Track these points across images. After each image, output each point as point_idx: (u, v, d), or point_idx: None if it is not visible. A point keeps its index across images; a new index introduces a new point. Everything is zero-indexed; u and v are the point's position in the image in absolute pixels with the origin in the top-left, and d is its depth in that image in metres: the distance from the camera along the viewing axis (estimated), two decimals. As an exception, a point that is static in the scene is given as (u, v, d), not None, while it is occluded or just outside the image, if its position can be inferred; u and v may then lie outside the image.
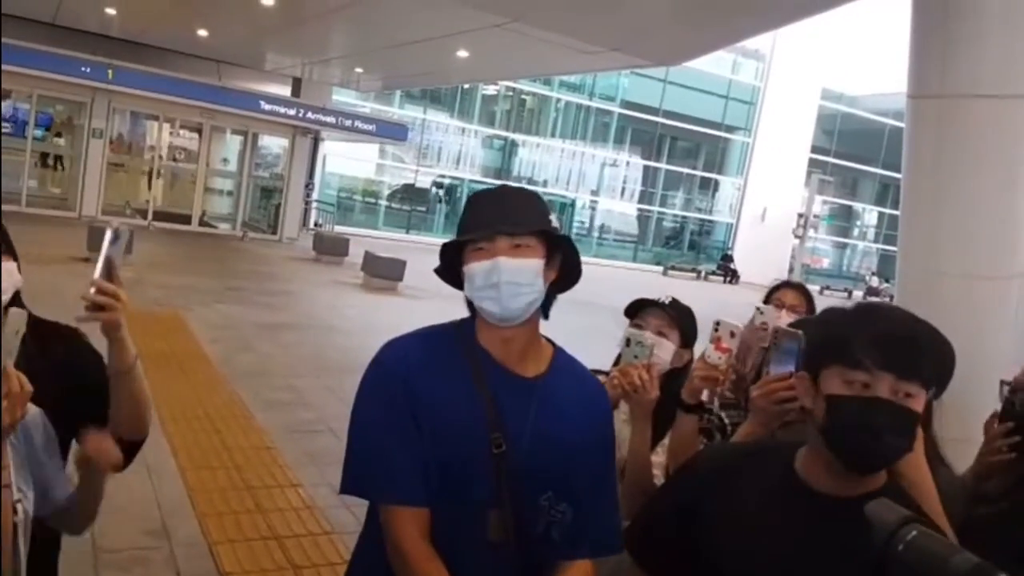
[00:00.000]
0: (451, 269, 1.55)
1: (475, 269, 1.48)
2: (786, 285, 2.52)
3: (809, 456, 1.39)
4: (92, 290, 1.50)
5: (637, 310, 2.13)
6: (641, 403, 1.89)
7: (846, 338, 1.30)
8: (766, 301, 2.38)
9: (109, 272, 1.53)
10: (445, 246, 1.55)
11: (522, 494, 1.50)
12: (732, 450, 1.67)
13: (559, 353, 1.63)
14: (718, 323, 1.83)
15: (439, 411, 1.48)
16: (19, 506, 1.38)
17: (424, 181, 30.01)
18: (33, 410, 1.42)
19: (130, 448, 1.69)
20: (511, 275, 1.46)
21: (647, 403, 1.88)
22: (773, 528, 1.35)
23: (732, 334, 1.82)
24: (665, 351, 2.03)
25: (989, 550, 1.50)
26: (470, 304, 1.57)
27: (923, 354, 1.28)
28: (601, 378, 2.12)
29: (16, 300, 1.59)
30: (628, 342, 1.92)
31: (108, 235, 1.54)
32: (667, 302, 2.10)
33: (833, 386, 1.31)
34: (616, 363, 2.02)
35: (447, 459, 1.47)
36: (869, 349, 1.27)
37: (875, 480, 1.35)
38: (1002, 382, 1.79)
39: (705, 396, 1.95)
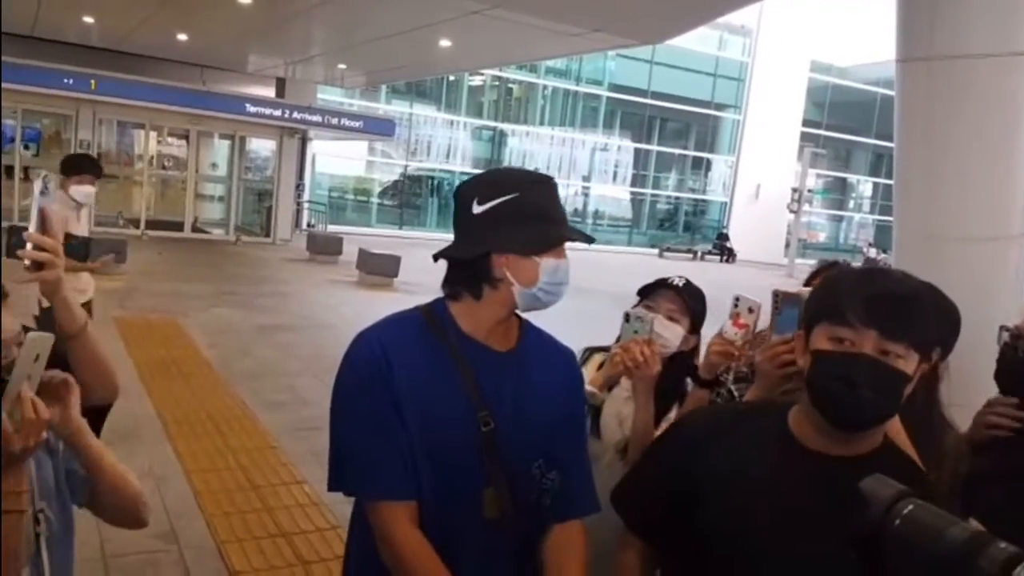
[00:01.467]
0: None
1: (557, 266, 1.50)
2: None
3: (801, 415, 1.37)
4: (29, 246, 1.42)
5: (649, 291, 2.10)
6: (644, 378, 1.87)
7: (837, 296, 1.29)
8: (807, 285, 2.30)
9: (43, 224, 1.44)
10: (524, 237, 1.48)
11: (514, 468, 1.49)
12: (722, 411, 1.65)
13: (525, 325, 1.63)
14: (738, 298, 1.81)
15: (422, 397, 1.46)
16: (40, 516, 1.35)
17: (414, 176, 29.98)
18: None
19: (102, 413, 1.67)
20: (568, 276, 1.54)
21: (649, 378, 1.87)
22: (768, 487, 1.33)
23: (750, 310, 1.79)
24: (674, 335, 2.00)
25: (989, 511, 1.50)
26: (454, 290, 1.54)
27: (912, 314, 1.26)
28: (601, 355, 2.12)
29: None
30: (628, 318, 1.90)
31: (37, 185, 1.46)
32: (680, 284, 2.07)
33: (820, 342, 1.30)
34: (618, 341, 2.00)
35: (437, 444, 1.45)
36: (855, 306, 1.26)
37: (871, 440, 1.33)
38: (1002, 328, 1.76)
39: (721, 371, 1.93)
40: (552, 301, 1.52)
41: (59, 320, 1.50)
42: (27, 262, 1.43)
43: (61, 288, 1.47)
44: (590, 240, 1.61)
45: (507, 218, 1.46)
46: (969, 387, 1.85)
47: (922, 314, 1.28)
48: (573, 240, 1.53)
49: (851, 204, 41.24)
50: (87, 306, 4.79)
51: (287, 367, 7.59)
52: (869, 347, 1.25)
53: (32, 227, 1.43)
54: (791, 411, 1.40)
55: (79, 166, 4.89)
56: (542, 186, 1.52)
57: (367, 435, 1.46)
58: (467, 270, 1.51)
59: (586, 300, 9.03)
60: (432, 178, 30.29)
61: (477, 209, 1.48)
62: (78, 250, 4.41)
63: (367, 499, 1.49)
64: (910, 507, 0.93)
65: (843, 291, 1.29)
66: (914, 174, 4.29)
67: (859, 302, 1.26)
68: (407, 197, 30.13)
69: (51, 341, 1.26)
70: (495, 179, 1.54)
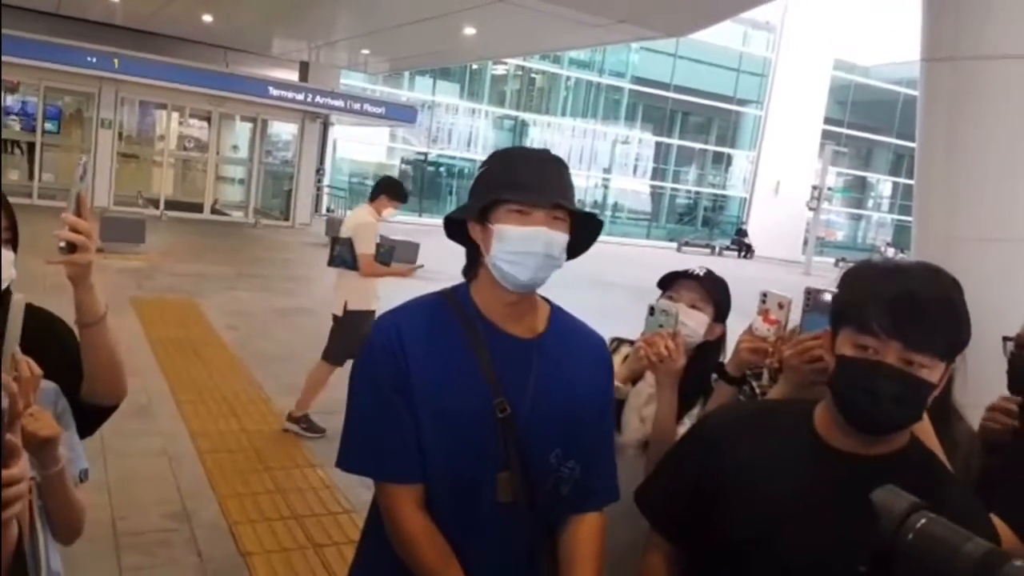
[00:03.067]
0: (462, 225, 1.53)
1: (512, 232, 1.44)
2: None
3: (825, 413, 1.36)
4: (64, 229, 1.44)
5: (670, 282, 2.07)
6: (668, 372, 1.86)
7: (862, 300, 1.26)
8: None
9: (79, 208, 1.46)
10: (472, 204, 1.49)
11: (530, 455, 1.50)
12: (747, 408, 1.64)
13: (556, 311, 1.62)
14: (765, 294, 1.78)
15: (440, 383, 1.47)
16: (33, 483, 1.38)
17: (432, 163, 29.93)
18: (45, 385, 1.42)
19: (103, 414, 1.67)
20: (549, 247, 1.44)
21: (674, 372, 1.86)
22: (793, 485, 1.33)
23: (780, 305, 1.76)
24: (698, 323, 1.98)
25: (1006, 508, 1.49)
26: (467, 270, 1.55)
27: (937, 322, 1.23)
28: (628, 347, 2.11)
29: (6, 292, 1.57)
30: (652, 311, 1.88)
31: (78, 170, 1.49)
32: (701, 274, 2.05)
33: (845, 347, 1.29)
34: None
35: (453, 429, 1.47)
36: (880, 315, 1.22)
37: (897, 440, 1.32)
38: (1005, 339, 1.74)
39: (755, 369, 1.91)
40: (521, 273, 1.44)
41: (80, 306, 1.51)
42: (61, 243, 1.44)
43: (90, 273, 1.49)
44: (556, 203, 1.44)
45: (477, 187, 1.50)
46: (983, 388, 1.83)
47: (949, 320, 1.24)
48: (520, 203, 1.43)
49: (870, 203, 40.83)
50: (369, 316, 5.01)
51: (304, 350, 7.58)
52: (893, 357, 1.23)
53: (69, 210, 1.45)
54: (816, 409, 1.39)
55: (398, 193, 5.47)
56: (514, 157, 1.52)
57: (374, 418, 1.49)
58: (464, 245, 1.55)
59: (606, 294, 9.01)
60: (452, 165, 30.24)
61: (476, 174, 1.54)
62: (385, 256, 5.11)
63: (376, 480, 1.52)
64: (923, 521, 0.91)
65: (867, 295, 1.26)
66: (936, 173, 4.24)
67: (883, 309, 1.22)
68: (425, 183, 30.08)
69: (24, 301, 1.29)
70: (495, 151, 1.57)
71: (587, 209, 1.61)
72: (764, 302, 1.79)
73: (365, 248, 5.12)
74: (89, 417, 1.60)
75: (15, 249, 1.57)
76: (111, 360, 1.60)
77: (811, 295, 1.66)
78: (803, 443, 1.36)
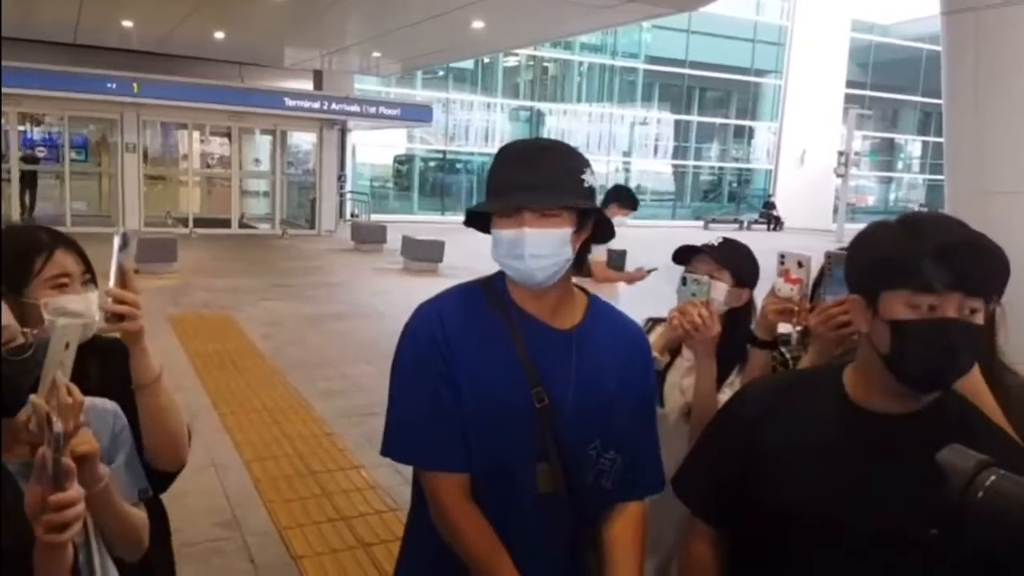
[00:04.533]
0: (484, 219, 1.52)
1: (500, 236, 1.45)
2: None
3: (861, 378, 1.34)
4: (108, 300, 1.48)
5: (686, 259, 2.09)
6: (704, 341, 1.87)
7: (905, 258, 1.22)
8: None
9: (123, 279, 1.50)
10: (470, 211, 1.52)
11: (569, 446, 1.48)
12: (775, 382, 1.62)
13: (594, 301, 1.61)
14: (783, 255, 1.78)
15: (478, 371, 1.47)
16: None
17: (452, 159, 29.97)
18: (103, 404, 1.43)
19: (165, 481, 1.67)
20: (536, 247, 1.42)
21: (710, 340, 1.86)
22: (834, 452, 1.31)
23: (800, 264, 1.76)
24: (718, 291, 1.98)
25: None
26: None
27: (988, 268, 1.22)
28: (661, 327, 2.11)
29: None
30: (684, 281, 1.90)
31: (116, 241, 1.51)
32: (715, 244, 2.06)
33: (896, 311, 1.23)
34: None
35: (491, 417, 1.46)
36: (936, 270, 1.19)
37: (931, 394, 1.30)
38: None
39: (785, 329, 1.91)
40: (518, 275, 1.47)
41: (133, 370, 1.55)
42: (108, 314, 1.49)
43: (142, 339, 1.53)
44: (530, 205, 1.42)
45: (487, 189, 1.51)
46: (1020, 344, 1.79)
47: (995, 259, 1.23)
48: (494, 211, 1.45)
49: (900, 165, 40.14)
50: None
51: (339, 355, 7.70)
52: (953, 309, 1.20)
53: (112, 283, 1.48)
54: (845, 372, 1.37)
55: (628, 200, 5.64)
56: (512, 153, 1.49)
57: (422, 407, 1.48)
58: None
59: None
60: (471, 161, 30.26)
61: None
62: (618, 261, 5.27)
63: (420, 468, 1.52)
64: (993, 478, 0.90)
65: (906, 251, 1.23)
66: (965, 128, 4.17)
67: (936, 265, 1.19)
68: (446, 181, 30.12)
69: (81, 331, 1.31)
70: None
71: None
72: (783, 263, 1.78)
73: (597, 255, 5.18)
74: (153, 485, 1.59)
75: (96, 285, 1.60)
76: (168, 423, 1.61)
77: (831, 259, 1.63)
78: (835, 409, 1.34)
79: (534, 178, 1.42)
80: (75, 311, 1.50)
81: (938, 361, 1.22)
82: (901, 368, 1.25)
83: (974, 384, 1.43)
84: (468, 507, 1.47)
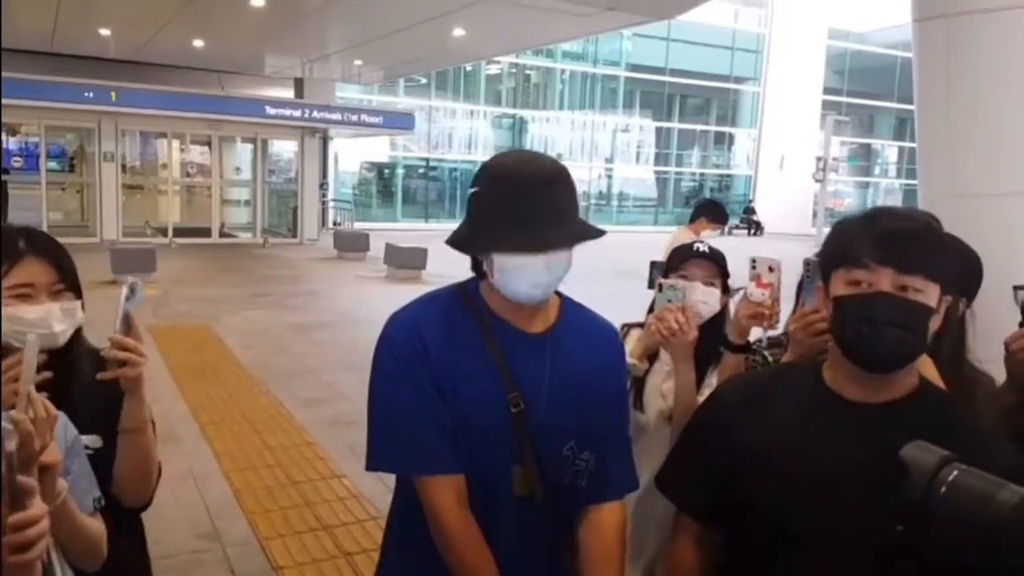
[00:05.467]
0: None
1: (517, 263, 1.41)
2: None
3: (833, 366, 1.37)
4: (111, 347, 1.50)
5: (680, 261, 2.12)
6: (681, 345, 1.89)
7: (849, 239, 1.30)
8: None
9: (128, 327, 1.53)
10: (471, 238, 1.46)
11: (544, 448, 1.49)
12: (755, 376, 1.64)
13: (566, 303, 1.61)
14: (754, 260, 1.82)
15: (454, 376, 1.47)
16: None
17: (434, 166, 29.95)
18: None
19: (128, 514, 1.67)
20: (555, 273, 1.44)
21: (687, 345, 1.89)
22: (814, 441, 1.33)
23: (771, 269, 1.80)
24: (715, 300, 2.03)
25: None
26: (475, 266, 1.54)
27: (924, 246, 1.26)
28: (639, 331, 2.13)
29: (77, 337, 1.60)
30: (661, 288, 1.92)
31: (124, 291, 1.54)
32: (707, 250, 2.10)
33: (838, 288, 1.31)
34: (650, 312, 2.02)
35: (466, 422, 1.46)
36: (868, 246, 1.26)
37: (906, 383, 1.32)
38: (1016, 288, 1.73)
39: (756, 335, 1.94)
40: (525, 298, 1.45)
41: (125, 413, 1.56)
42: (108, 360, 1.51)
43: (140, 386, 1.55)
44: (555, 247, 1.41)
45: (473, 210, 1.46)
46: (998, 343, 1.82)
47: (934, 245, 1.28)
48: (508, 249, 1.40)
49: (877, 170, 40.58)
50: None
51: (322, 364, 7.67)
52: (887, 284, 1.25)
53: (116, 329, 1.51)
54: (824, 365, 1.40)
55: (718, 215, 5.66)
56: (508, 182, 1.43)
57: (411, 413, 1.47)
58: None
59: (617, 282, 9.01)
60: (454, 169, 30.26)
61: (469, 192, 1.50)
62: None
63: (415, 475, 1.50)
64: (955, 473, 0.91)
65: (853, 234, 1.30)
66: (937, 133, 4.21)
67: (870, 242, 1.26)
68: (428, 189, 30.08)
69: (38, 342, 1.30)
70: (487, 165, 1.50)
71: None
72: (754, 267, 1.82)
73: None
74: (115, 517, 1.58)
75: (75, 295, 1.60)
76: (144, 467, 1.62)
77: (809, 265, 1.66)
78: (814, 399, 1.37)
79: (553, 209, 1.42)
80: (29, 321, 1.49)
81: (865, 331, 1.25)
82: (842, 344, 1.31)
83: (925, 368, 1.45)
84: (466, 515, 1.46)
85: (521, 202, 1.41)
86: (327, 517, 4.23)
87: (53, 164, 18.07)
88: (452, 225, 1.59)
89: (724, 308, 2.10)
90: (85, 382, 1.56)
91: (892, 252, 1.25)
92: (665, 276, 2.06)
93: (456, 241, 1.48)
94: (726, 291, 2.09)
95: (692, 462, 1.53)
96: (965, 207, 4.05)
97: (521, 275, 1.42)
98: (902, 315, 1.24)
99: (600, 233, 1.50)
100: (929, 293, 1.26)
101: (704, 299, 1.99)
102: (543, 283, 1.44)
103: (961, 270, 1.78)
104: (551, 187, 1.43)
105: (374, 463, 1.50)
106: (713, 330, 2.03)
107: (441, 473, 1.46)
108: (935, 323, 1.29)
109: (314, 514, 4.27)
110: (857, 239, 1.28)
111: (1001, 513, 0.86)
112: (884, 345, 1.25)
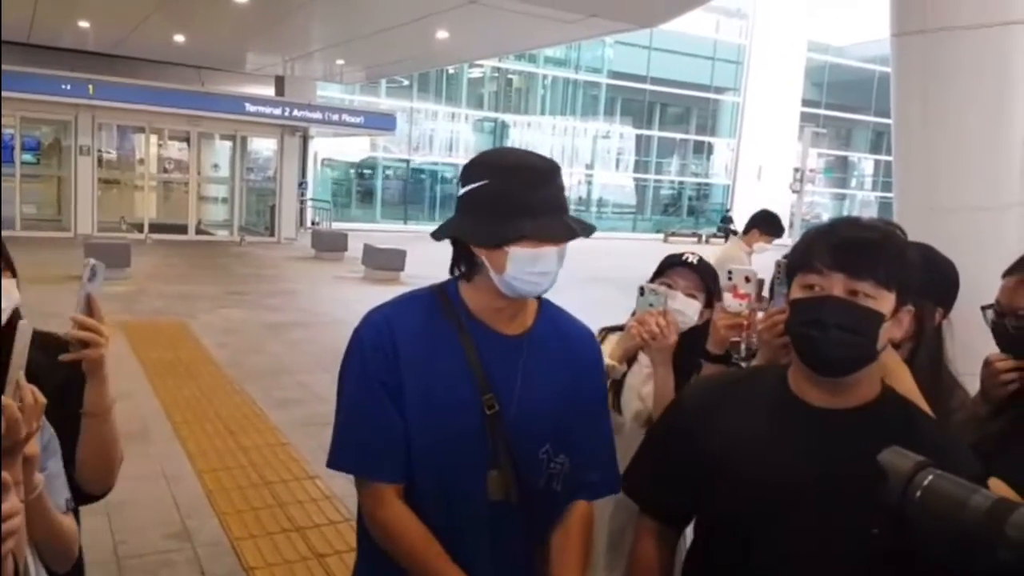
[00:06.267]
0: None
1: (530, 255, 1.41)
2: None
3: (795, 370, 1.39)
4: (74, 326, 1.50)
5: (665, 268, 2.13)
6: (661, 349, 1.91)
7: (808, 246, 1.33)
8: None
9: (90, 309, 1.52)
10: (482, 229, 1.43)
11: (519, 451, 1.49)
12: (720, 379, 1.65)
13: (544, 305, 1.61)
14: (731, 271, 1.84)
15: (428, 379, 1.46)
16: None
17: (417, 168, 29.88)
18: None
19: (88, 499, 1.66)
20: (561, 264, 1.46)
21: (667, 349, 1.91)
22: (777, 445, 1.34)
23: (747, 279, 1.81)
24: (693, 311, 2.04)
25: (1010, 471, 1.49)
26: (453, 267, 1.53)
27: (877, 254, 1.28)
28: (617, 335, 2.13)
29: (16, 317, 1.58)
30: (643, 291, 1.95)
31: (86, 272, 1.53)
32: (695, 261, 2.11)
33: (794, 292, 1.34)
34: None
35: (440, 424, 1.46)
36: (824, 253, 1.29)
37: (868, 390, 1.33)
38: (983, 308, 1.75)
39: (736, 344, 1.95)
40: (533, 289, 1.46)
41: (88, 397, 1.55)
42: (71, 341, 1.50)
43: (102, 368, 1.54)
44: (571, 237, 1.44)
45: (477, 205, 1.43)
46: (975, 358, 1.84)
47: (892, 254, 1.29)
48: (534, 237, 1.40)
49: (853, 182, 41.08)
50: None
51: (297, 364, 7.62)
52: (838, 289, 1.27)
53: (78, 310, 1.51)
54: (789, 371, 1.41)
55: (772, 226, 5.54)
56: (520, 173, 1.43)
57: (362, 416, 1.47)
58: (457, 252, 1.51)
59: (595, 288, 9.03)
60: (435, 171, 30.20)
61: (460, 191, 1.48)
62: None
63: (362, 478, 1.50)
64: (930, 478, 0.93)
65: (813, 241, 1.33)
66: (913, 147, 4.26)
67: (827, 248, 1.29)
68: (408, 190, 29.97)
69: (31, 328, 1.29)
70: (484, 160, 1.49)
71: (572, 206, 1.59)
72: (731, 278, 1.83)
73: None
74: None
75: (15, 275, 1.59)
76: (107, 453, 1.61)
77: (780, 267, 1.67)
78: (778, 404, 1.38)
79: (557, 198, 1.46)
80: None
81: (813, 333, 1.27)
82: (795, 346, 1.34)
83: (908, 393, 1.46)
84: (404, 512, 1.46)
85: (537, 193, 1.43)
86: (299, 518, 4.20)
87: (28, 156, 17.77)
88: (431, 227, 1.58)
89: (708, 322, 2.10)
90: (36, 369, 1.51)
91: (844, 258, 1.28)
92: (652, 281, 2.08)
93: (460, 234, 1.46)
94: (710, 305, 2.08)
95: (654, 465, 1.54)
96: (940, 221, 4.10)
97: (534, 266, 1.43)
98: (850, 319, 1.26)
99: (593, 229, 1.53)
100: (881, 300, 1.27)
101: (682, 309, 2.00)
102: (552, 271, 1.45)
103: (936, 280, 1.80)
104: (557, 179, 1.47)
105: (329, 460, 1.51)
106: (695, 341, 2.03)
107: (381, 480, 1.47)
108: (894, 331, 1.31)
109: (286, 515, 4.23)
110: (816, 245, 1.31)
111: (974, 517, 0.88)
112: (831, 347, 1.27)
